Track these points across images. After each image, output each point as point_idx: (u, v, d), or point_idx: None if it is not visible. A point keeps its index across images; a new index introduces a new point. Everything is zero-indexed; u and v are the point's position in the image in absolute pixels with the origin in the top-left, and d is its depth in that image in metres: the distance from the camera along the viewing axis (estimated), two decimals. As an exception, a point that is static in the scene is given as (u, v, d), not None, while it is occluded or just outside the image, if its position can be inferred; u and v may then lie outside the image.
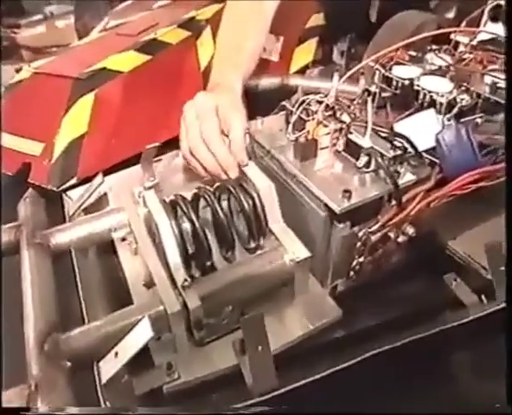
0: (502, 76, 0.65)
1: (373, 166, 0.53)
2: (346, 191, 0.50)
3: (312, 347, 0.53)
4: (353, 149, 0.55)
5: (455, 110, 0.59)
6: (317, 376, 0.46)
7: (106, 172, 0.76)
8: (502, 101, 0.61)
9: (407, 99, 0.64)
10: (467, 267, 0.60)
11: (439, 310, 0.56)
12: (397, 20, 0.93)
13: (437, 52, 0.72)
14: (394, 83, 0.66)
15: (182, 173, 0.73)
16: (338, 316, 0.53)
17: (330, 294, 0.56)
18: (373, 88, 0.68)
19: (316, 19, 1.21)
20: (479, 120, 0.60)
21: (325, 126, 0.57)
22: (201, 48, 1.04)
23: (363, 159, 0.53)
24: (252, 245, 0.54)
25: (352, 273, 0.57)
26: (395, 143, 0.55)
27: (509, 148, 0.51)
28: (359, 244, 0.53)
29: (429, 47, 0.73)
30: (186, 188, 0.61)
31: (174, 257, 0.48)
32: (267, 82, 0.96)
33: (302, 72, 1.12)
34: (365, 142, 0.54)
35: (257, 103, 0.96)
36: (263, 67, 1.09)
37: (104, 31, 1.23)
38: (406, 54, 0.72)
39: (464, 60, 0.72)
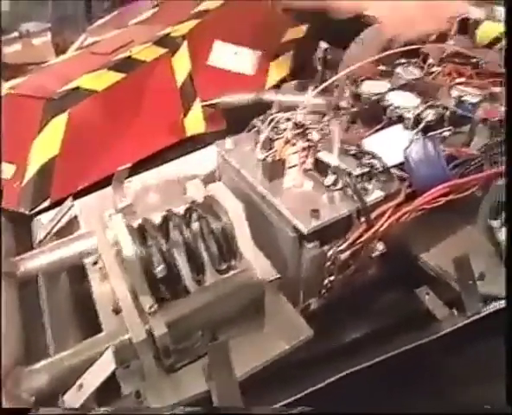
0: (469, 89, 0.66)
1: (340, 184, 0.53)
2: (314, 211, 0.50)
3: (284, 366, 0.52)
4: (321, 167, 0.56)
5: (422, 125, 0.59)
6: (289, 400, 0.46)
7: (81, 193, 0.75)
8: (469, 114, 0.62)
9: (377, 115, 0.64)
10: (439, 279, 0.60)
11: (413, 324, 0.56)
12: (368, 34, 0.94)
13: (406, 65, 0.73)
14: (363, 99, 0.67)
15: (156, 193, 0.72)
16: (309, 336, 0.53)
17: (303, 313, 0.56)
18: (343, 104, 0.68)
19: (293, 33, 1.22)
20: (447, 133, 0.60)
21: (293, 145, 0.58)
22: (177, 65, 1.04)
23: (331, 177, 0.53)
24: (223, 266, 0.54)
25: (324, 291, 0.57)
26: (363, 160, 0.56)
27: (509, 148, 0.51)
28: (328, 263, 0.53)
29: (398, 62, 0.74)
30: (160, 208, 0.60)
31: (139, 282, 0.47)
32: (242, 98, 0.96)
33: (278, 86, 1.12)
34: (332, 160, 0.54)
35: (232, 119, 0.96)
36: (238, 81, 1.10)
37: (80, 48, 1.22)
38: (376, 68, 0.73)
39: (433, 73, 0.73)
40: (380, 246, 0.56)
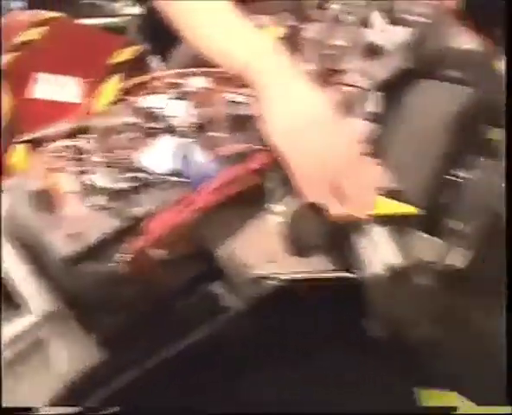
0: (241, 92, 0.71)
1: (105, 202, 0.55)
2: (76, 234, 0.51)
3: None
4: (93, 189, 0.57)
5: (190, 130, 0.63)
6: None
7: None
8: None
9: (156, 126, 0.67)
10: (235, 272, 0.64)
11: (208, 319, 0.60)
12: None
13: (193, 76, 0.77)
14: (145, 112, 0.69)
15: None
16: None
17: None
18: (131, 119, 0.70)
19: (122, 55, 1.23)
20: (218, 135, 0.65)
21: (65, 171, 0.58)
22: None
23: (96, 198, 0.55)
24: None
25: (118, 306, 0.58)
26: (134, 174, 0.58)
27: (509, 149, 0.54)
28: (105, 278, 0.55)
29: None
30: None
31: None
32: (63, 127, 0.94)
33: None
34: (98, 181, 0.56)
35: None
36: (66, 111, 1.08)
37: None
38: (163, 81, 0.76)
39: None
40: (158, 253, 0.58)
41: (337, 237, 0.58)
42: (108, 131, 0.69)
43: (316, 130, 0.53)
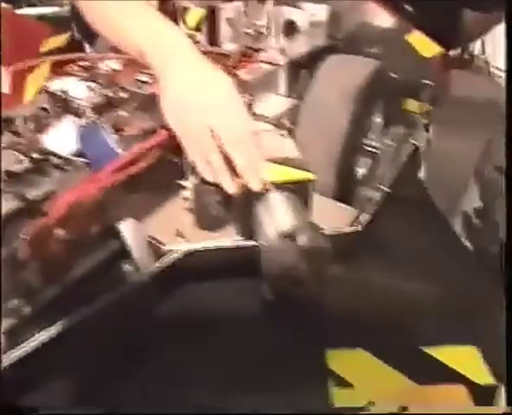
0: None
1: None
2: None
3: None
4: None
5: (95, 111, 0.64)
6: None
7: None
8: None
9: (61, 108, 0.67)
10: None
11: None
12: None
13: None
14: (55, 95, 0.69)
15: None
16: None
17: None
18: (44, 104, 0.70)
19: (53, 42, 1.21)
20: (123, 114, 0.65)
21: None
22: None
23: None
24: None
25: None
26: (38, 156, 0.58)
27: (509, 149, 0.54)
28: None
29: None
30: None
31: None
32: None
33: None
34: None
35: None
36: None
37: None
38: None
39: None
40: (60, 232, 0.58)
41: (240, 208, 0.60)
42: (28, 119, 0.69)
43: (205, 109, 0.55)
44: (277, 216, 0.57)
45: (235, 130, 0.55)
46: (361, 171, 0.83)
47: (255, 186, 0.56)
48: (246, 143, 0.55)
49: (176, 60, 0.58)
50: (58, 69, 0.80)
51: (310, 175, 0.60)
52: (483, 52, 1.38)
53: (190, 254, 0.62)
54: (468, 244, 1.15)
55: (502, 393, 0.54)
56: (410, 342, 0.61)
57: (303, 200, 0.60)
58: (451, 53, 0.94)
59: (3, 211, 0.54)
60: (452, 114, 1.43)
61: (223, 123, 0.54)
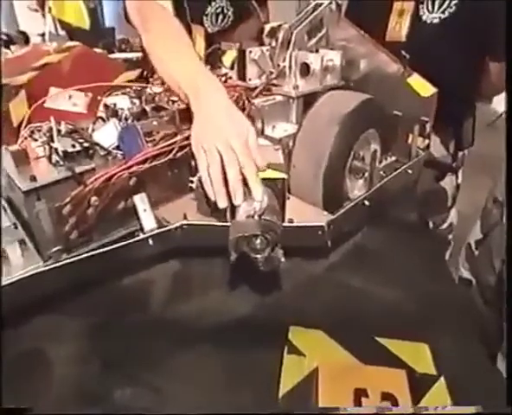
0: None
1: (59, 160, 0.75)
2: (32, 176, 0.71)
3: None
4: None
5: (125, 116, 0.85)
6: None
7: None
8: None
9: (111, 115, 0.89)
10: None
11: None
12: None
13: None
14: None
15: None
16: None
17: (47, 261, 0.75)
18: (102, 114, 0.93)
19: (125, 76, 1.49)
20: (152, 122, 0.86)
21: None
22: (14, 109, 1.26)
23: (54, 157, 0.76)
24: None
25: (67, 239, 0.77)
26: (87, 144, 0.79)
27: (509, 150, 0.60)
28: (56, 216, 0.74)
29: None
30: None
31: None
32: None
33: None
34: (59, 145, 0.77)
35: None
36: (73, 118, 1.33)
37: None
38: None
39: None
40: (93, 198, 0.77)
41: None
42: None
43: (219, 131, 0.78)
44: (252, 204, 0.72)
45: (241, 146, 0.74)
46: (353, 192, 0.96)
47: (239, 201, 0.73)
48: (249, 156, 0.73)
49: (204, 95, 0.83)
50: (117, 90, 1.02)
51: (284, 176, 0.76)
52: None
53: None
54: (468, 275, 1.19)
55: (443, 386, 0.59)
56: (367, 335, 0.68)
57: (277, 194, 0.75)
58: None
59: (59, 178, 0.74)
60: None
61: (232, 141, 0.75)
